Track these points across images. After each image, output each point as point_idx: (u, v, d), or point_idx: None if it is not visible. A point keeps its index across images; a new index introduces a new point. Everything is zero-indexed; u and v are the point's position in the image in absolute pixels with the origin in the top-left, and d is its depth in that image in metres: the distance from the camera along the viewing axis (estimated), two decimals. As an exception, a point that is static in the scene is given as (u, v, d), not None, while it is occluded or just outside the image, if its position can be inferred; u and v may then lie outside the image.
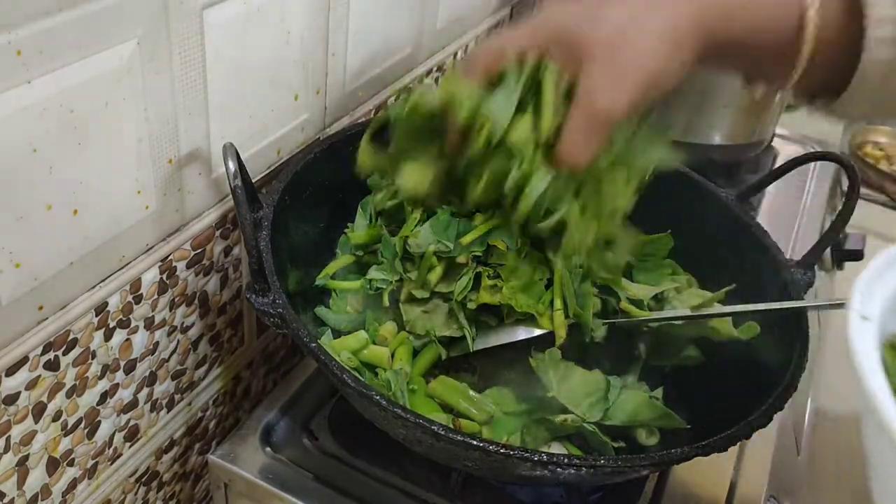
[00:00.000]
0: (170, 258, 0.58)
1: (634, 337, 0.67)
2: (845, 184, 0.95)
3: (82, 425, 0.55)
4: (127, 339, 0.56)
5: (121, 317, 0.55)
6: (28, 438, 0.51)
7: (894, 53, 0.43)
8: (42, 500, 0.54)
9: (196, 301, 0.62)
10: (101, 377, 0.55)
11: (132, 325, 0.56)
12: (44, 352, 0.49)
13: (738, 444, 0.58)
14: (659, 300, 0.64)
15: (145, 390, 0.61)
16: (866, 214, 1.30)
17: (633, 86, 0.46)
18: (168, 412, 0.65)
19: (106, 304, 0.53)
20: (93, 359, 0.54)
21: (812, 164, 1.14)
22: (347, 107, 0.73)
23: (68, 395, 0.53)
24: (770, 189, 1.05)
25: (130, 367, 0.58)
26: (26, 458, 0.51)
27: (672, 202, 0.71)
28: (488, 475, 0.62)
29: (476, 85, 0.50)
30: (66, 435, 0.54)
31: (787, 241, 0.99)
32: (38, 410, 0.51)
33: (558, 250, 0.57)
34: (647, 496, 0.64)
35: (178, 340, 0.62)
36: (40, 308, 0.48)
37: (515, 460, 0.47)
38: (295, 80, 0.64)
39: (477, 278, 0.58)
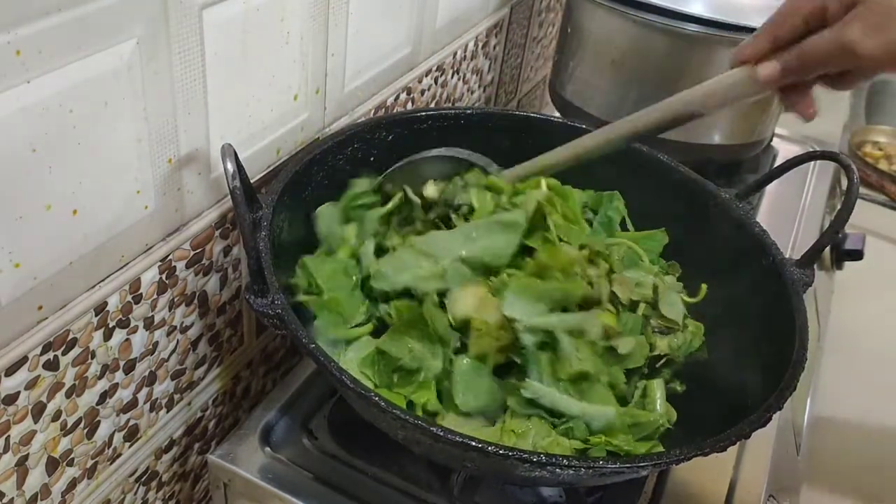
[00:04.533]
0: (169, 258, 0.58)
1: None
2: (845, 183, 0.95)
3: (82, 425, 0.55)
4: (126, 339, 0.56)
5: (120, 317, 0.55)
6: (27, 438, 0.51)
7: None
8: (41, 499, 0.54)
9: (195, 301, 0.62)
10: (100, 377, 0.55)
11: (132, 324, 0.56)
12: (43, 352, 0.49)
13: (738, 443, 0.58)
14: None
15: (145, 390, 0.61)
16: (866, 214, 1.30)
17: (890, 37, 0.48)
18: (167, 412, 0.65)
19: (105, 303, 0.53)
20: (92, 359, 0.54)
21: (811, 163, 1.14)
22: (347, 106, 0.73)
23: (68, 395, 0.53)
24: (770, 189, 1.05)
25: (130, 367, 0.58)
26: (26, 457, 0.51)
27: (672, 202, 0.71)
28: (488, 475, 0.62)
29: None
30: (65, 435, 0.54)
31: (787, 240, 0.99)
32: (38, 410, 0.51)
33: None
34: (647, 496, 0.64)
35: (178, 340, 0.62)
36: (40, 308, 0.48)
37: (514, 461, 0.47)
38: (294, 80, 0.64)
39: None
